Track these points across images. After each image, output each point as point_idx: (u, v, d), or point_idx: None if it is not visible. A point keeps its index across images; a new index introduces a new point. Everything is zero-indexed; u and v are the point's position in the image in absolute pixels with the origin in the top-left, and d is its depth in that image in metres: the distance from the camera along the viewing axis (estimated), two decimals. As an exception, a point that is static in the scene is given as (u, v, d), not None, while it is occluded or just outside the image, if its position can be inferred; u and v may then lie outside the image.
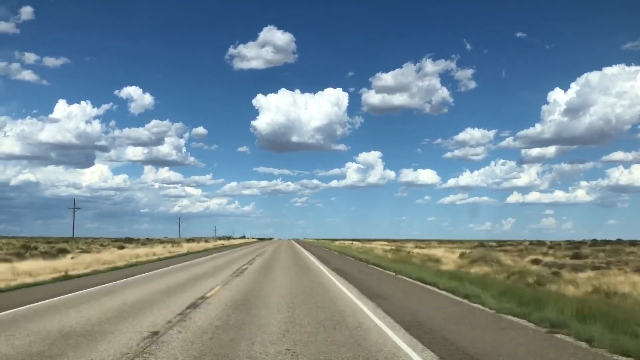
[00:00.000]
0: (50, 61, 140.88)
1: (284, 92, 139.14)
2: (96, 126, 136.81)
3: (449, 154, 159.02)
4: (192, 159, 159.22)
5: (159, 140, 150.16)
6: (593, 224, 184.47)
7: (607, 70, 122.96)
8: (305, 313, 10.78)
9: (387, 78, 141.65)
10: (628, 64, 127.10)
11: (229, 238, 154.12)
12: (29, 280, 18.17)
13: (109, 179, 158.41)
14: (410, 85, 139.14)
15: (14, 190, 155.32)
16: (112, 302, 12.60)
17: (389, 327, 9.25)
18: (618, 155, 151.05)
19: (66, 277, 19.58)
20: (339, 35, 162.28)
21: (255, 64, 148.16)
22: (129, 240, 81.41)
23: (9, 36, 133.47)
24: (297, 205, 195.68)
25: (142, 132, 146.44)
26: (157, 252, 42.16)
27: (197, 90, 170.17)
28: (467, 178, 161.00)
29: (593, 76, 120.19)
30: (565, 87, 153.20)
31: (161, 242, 79.07)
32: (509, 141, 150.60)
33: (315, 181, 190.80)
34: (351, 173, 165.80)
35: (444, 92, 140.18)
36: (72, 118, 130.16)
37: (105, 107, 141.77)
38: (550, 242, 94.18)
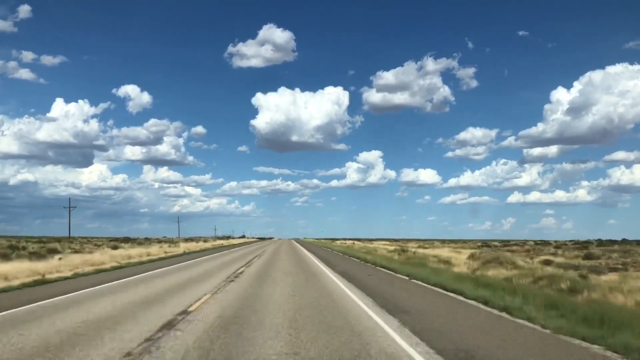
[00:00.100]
0: (48, 60, 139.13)
1: (283, 91, 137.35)
2: (94, 125, 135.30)
3: (450, 154, 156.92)
4: (191, 158, 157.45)
5: (157, 139, 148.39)
6: (593, 224, 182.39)
7: (610, 69, 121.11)
8: (312, 336, 8.34)
9: (388, 77, 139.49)
10: (631, 63, 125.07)
11: (228, 238, 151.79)
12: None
13: (108, 179, 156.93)
14: (411, 84, 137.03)
15: (13, 190, 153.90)
16: (62, 321, 9.63)
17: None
18: (620, 154, 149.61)
19: (41, 282, 17.69)
20: (340, 33, 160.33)
21: (255, 63, 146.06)
22: (126, 240, 79.39)
23: (6, 34, 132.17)
24: (297, 205, 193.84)
25: (140, 132, 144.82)
26: (152, 253, 40.41)
27: (196, 88, 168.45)
28: (468, 178, 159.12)
29: (596, 75, 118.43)
30: (568, 86, 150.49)
31: (159, 241, 77.39)
32: (510, 140, 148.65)
33: (315, 181, 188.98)
34: (351, 173, 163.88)
35: (445, 91, 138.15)
36: (69, 117, 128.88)
37: (103, 105, 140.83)
38: (555, 241, 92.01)
